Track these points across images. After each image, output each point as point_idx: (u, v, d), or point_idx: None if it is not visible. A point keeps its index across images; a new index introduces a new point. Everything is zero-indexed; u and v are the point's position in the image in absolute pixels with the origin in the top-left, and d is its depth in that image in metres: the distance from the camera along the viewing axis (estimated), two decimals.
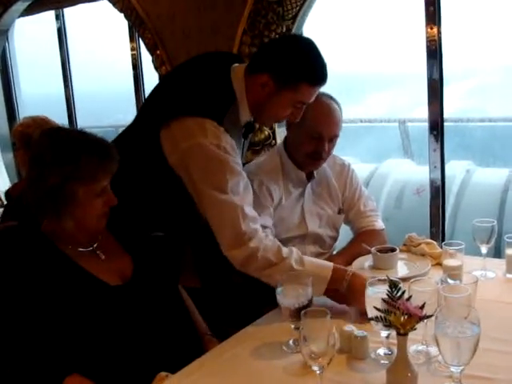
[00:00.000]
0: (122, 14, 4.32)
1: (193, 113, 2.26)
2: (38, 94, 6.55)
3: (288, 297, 1.82)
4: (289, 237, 2.71)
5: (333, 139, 2.67)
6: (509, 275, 2.37)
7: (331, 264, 2.25)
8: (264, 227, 2.55)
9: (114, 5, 4.33)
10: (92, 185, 1.89)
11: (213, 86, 2.36)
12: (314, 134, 2.62)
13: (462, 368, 1.49)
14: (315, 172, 2.79)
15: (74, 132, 1.99)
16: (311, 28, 3.92)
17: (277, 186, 2.70)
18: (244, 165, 2.66)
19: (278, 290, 1.83)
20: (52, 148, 1.89)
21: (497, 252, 2.97)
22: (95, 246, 2.02)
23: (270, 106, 2.38)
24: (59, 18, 5.58)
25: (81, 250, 1.97)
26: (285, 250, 2.24)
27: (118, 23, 4.64)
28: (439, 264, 2.47)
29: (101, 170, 1.91)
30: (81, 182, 1.86)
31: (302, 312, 1.64)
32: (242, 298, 2.69)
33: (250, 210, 2.27)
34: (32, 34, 6.28)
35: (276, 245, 2.26)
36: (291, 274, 1.90)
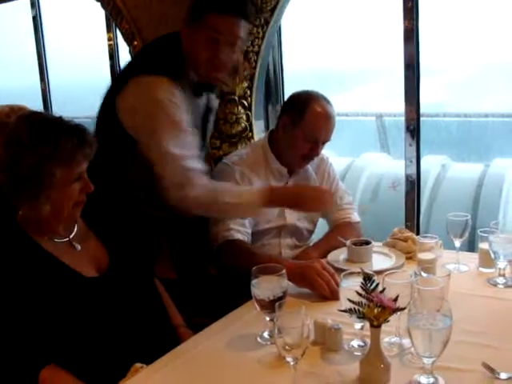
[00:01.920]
0: (99, 4, 4.28)
1: (149, 71, 2.36)
2: (12, 85, 6.47)
3: (263, 289, 1.82)
4: (267, 228, 2.76)
5: (325, 142, 2.73)
6: (481, 269, 2.40)
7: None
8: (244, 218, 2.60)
9: None
10: (70, 167, 1.87)
11: (165, 48, 2.47)
12: (310, 138, 2.67)
13: (433, 359, 1.51)
14: (300, 169, 2.84)
15: (51, 116, 1.97)
16: (289, 21, 3.92)
17: (258, 179, 2.73)
18: (223, 156, 2.69)
19: (253, 281, 1.83)
20: (30, 129, 1.86)
21: (471, 246, 3.00)
22: (71, 236, 2.01)
23: (192, 49, 2.44)
24: (35, 6, 5.51)
25: (57, 240, 1.96)
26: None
27: (95, 12, 4.59)
28: (411, 258, 2.51)
29: (79, 153, 1.89)
30: (59, 164, 1.84)
31: (277, 304, 1.65)
32: (217, 290, 2.70)
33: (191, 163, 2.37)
34: (6, 23, 6.20)
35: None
36: (265, 266, 1.89)
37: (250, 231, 2.69)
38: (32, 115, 1.98)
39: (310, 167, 2.88)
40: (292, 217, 2.81)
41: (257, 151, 2.84)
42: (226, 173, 2.74)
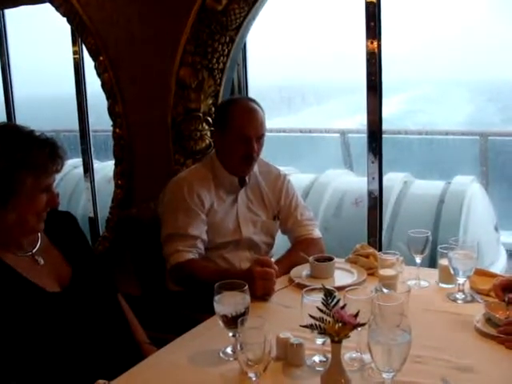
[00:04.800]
0: (65, 18, 4.27)
1: None
2: None
3: (225, 305, 1.83)
4: (224, 242, 2.78)
5: (260, 138, 2.75)
6: (441, 284, 2.44)
7: None
8: (195, 238, 2.60)
9: (56, 8, 4.27)
10: (39, 177, 1.88)
11: None
12: (241, 137, 2.70)
13: (393, 374, 1.53)
14: (247, 178, 2.85)
15: (24, 127, 1.97)
16: (255, 39, 3.96)
17: (207, 192, 2.77)
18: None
19: (216, 297, 1.84)
20: (2, 136, 1.88)
21: (432, 262, 3.04)
22: (34, 250, 2.00)
23: None
24: None
25: (20, 255, 1.96)
26: None
27: (61, 26, 4.56)
28: (372, 274, 2.54)
29: (50, 165, 1.90)
30: (30, 172, 1.85)
31: (239, 320, 1.66)
32: (179, 306, 2.71)
33: None
34: None
35: None
36: (228, 282, 1.91)
37: (202, 247, 2.73)
38: (4, 125, 1.98)
39: (261, 179, 2.92)
40: (247, 231, 2.84)
41: (205, 164, 2.89)
42: (175, 190, 2.79)
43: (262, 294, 2.34)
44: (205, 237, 2.73)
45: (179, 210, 2.71)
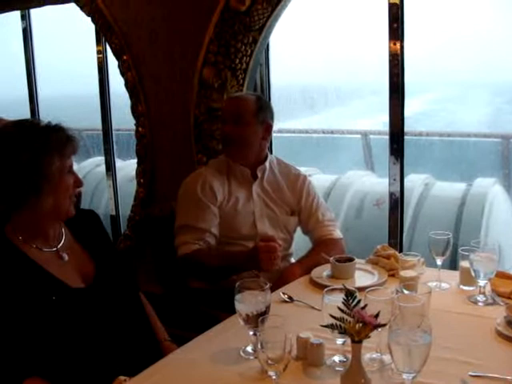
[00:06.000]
0: (89, 18, 4.30)
1: None
2: (1, 96, 6.45)
3: (246, 303, 1.84)
4: (239, 236, 2.81)
5: (237, 121, 2.79)
6: (462, 286, 2.43)
7: None
8: (204, 230, 2.66)
9: (81, 8, 4.31)
10: (63, 158, 1.92)
11: None
12: (220, 118, 2.92)
13: (413, 375, 1.53)
14: (258, 172, 2.89)
15: (34, 119, 2.01)
16: (278, 40, 3.96)
17: (221, 185, 2.81)
18: None
19: (237, 296, 1.85)
20: (19, 130, 1.91)
21: (453, 264, 3.03)
22: (59, 246, 2.02)
23: None
24: (25, 18, 5.50)
25: (45, 250, 1.98)
26: None
27: (85, 25, 4.59)
28: (393, 275, 2.54)
29: (68, 146, 1.94)
30: (53, 155, 1.89)
31: (260, 318, 1.67)
32: (200, 303, 2.73)
33: None
34: None
35: None
36: (249, 281, 1.92)
37: (212, 240, 2.77)
38: (19, 120, 2.01)
39: (280, 177, 2.96)
40: (263, 227, 2.86)
41: (222, 159, 2.95)
42: (189, 183, 2.86)
43: (267, 266, 2.41)
44: (215, 230, 2.77)
45: (190, 203, 2.78)
